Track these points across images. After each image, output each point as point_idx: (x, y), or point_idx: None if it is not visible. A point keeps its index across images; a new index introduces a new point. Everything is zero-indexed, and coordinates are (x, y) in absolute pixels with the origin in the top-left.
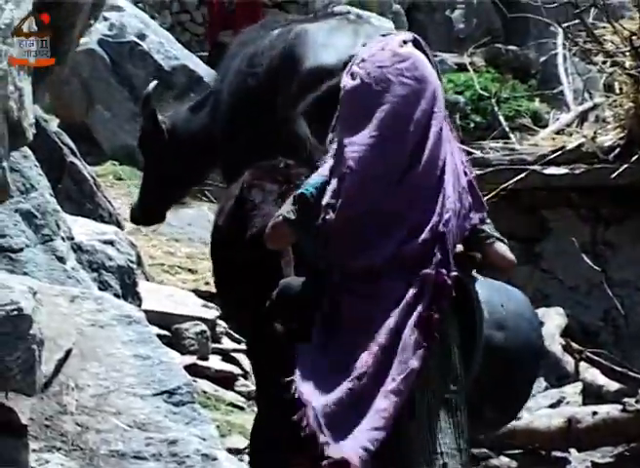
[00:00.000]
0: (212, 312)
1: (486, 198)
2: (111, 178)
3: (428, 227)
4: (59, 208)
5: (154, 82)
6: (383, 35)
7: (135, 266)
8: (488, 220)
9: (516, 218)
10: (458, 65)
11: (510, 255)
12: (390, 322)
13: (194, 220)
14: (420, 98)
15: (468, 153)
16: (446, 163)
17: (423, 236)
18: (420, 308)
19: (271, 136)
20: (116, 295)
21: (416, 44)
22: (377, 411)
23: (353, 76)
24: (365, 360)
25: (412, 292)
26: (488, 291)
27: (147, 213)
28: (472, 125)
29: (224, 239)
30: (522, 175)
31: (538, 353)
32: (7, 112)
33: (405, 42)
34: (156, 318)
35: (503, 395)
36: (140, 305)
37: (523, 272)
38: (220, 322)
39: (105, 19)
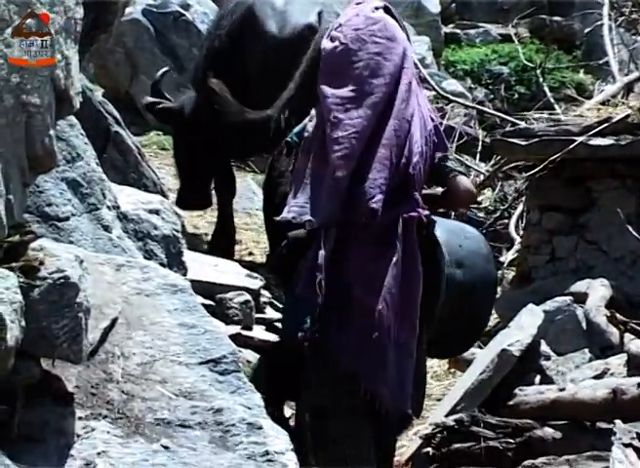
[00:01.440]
0: (256, 282)
1: (533, 171)
2: (155, 148)
3: (400, 170)
4: (104, 177)
5: (164, 68)
6: (358, 3)
7: (180, 235)
8: (452, 157)
9: (561, 190)
10: (502, 36)
11: (471, 187)
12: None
13: (238, 191)
14: (393, 55)
15: (513, 124)
16: (414, 112)
17: (397, 180)
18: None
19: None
20: (161, 264)
21: (387, 10)
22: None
23: (332, 39)
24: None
25: (399, 233)
26: (446, 232)
27: (191, 197)
28: (516, 96)
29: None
30: (570, 147)
31: (494, 284)
32: (54, 80)
33: (377, 8)
34: (200, 287)
35: (465, 325)
36: (185, 274)
37: (568, 243)
38: (263, 292)
39: None
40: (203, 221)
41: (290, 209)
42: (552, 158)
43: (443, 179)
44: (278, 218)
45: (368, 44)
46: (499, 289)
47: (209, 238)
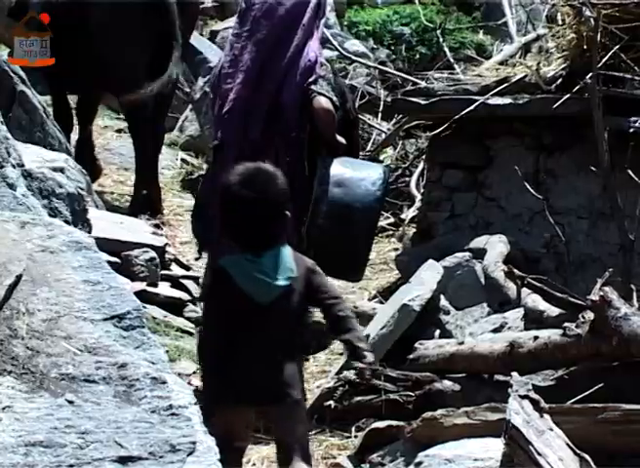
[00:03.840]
0: (161, 239)
1: (436, 131)
2: None
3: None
4: (9, 135)
5: None
6: None
7: (85, 194)
8: (322, 82)
9: (460, 147)
10: None
11: (326, 105)
12: None
13: None
14: (286, 1)
15: (414, 83)
16: (302, 52)
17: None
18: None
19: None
20: (66, 222)
21: None
22: None
23: None
24: None
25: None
26: (340, 163)
27: None
28: (418, 56)
29: None
30: (471, 108)
31: (373, 206)
32: None
33: None
34: (106, 245)
35: (340, 243)
36: (89, 232)
37: (467, 199)
38: (168, 249)
39: None
40: (109, 180)
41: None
42: (455, 117)
43: (308, 102)
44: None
45: None
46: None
47: (115, 197)
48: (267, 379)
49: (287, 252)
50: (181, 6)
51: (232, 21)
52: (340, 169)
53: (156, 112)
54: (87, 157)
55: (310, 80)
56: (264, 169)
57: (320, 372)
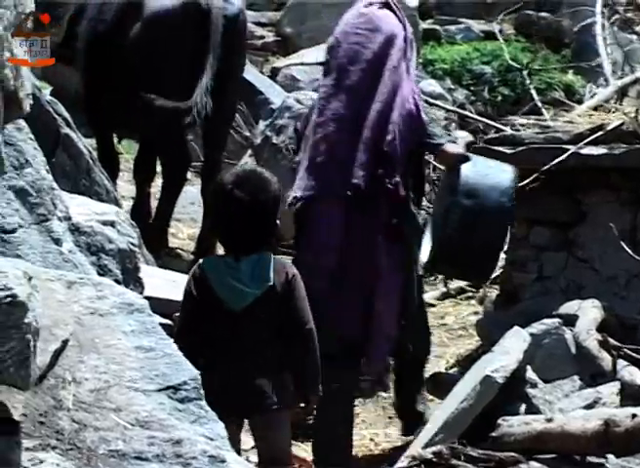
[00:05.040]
0: None
1: (522, 183)
2: None
3: (370, 148)
4: (55, 185)
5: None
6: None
7: (137, 250)
8: (434, 131)
9: (550, 201)
10: (485, 33)
11: (456, 151)
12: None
13: (198, 199)
14: (372, 43)
15: (497, 130)
16: (395, 96)
17: (367, 156)
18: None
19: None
20: (117, 281)
21: (387, 5)
22: None
23: (334, 34)
24: None
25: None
26: (469, 171)
27: None
28: (500, 98)
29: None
30: (562, 158)
31: (505, 216)
32: (2, 81)
33: (370, 4)
34: (158, 305)
35: (472, 252)
36: (142, 292)
37: (557, 259)
38: None
39: None
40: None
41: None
42: (544, 169)
43: (433, 153)
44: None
45: (350, 36)
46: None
47: (167, 250)
48: (243, 388)
49: (268, 260)
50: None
51: (296, 58)
52: (470, 177)
53: (209, 155)
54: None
55: (422, 132)
56: (259, 172)
57: (391, 449)
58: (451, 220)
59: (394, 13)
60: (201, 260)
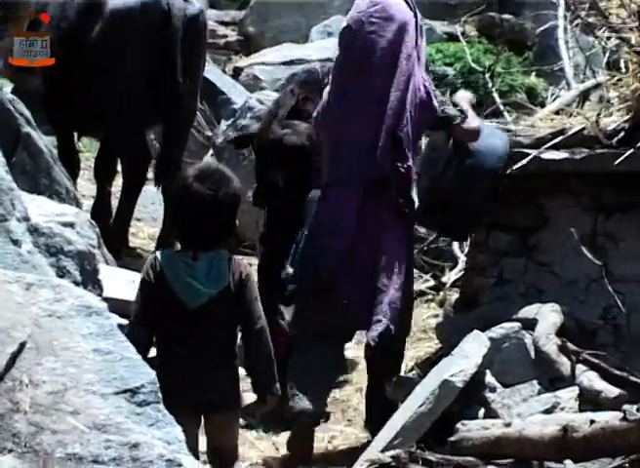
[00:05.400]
0: None
1: None
2: None
3: (390, 134)
4: (14, 185)
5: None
6: None
7: (96, 251)
8: (447, 107)
9: (510, 207)
10: (447, 35)
11: (473, 126)
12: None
13: (158, 199)
14: (386, 32)
15: None
16: (408, 82)
17: (387, 142)
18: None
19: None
20: (75, 283)
21: None
22: None
23: (346, 21)
24: None
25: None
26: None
27: None
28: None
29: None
30: (523, 162)
31: (498, 180)
32: None
33: None
34: (117, 306)
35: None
36: (100, 294)
37: (517, 264)
38: None
39: None
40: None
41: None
42: (507, 172)
43: (448, 128)
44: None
45: (365, 24)
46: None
47: (127, 250)
48: (200, 386)
49: (224, 259)
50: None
51: (258, 58)
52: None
53: (166, 155)
54: (104, 225)
55: (439, 107)
56: (222, 170)
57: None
58: (448, 175)
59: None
60: (158, 253)
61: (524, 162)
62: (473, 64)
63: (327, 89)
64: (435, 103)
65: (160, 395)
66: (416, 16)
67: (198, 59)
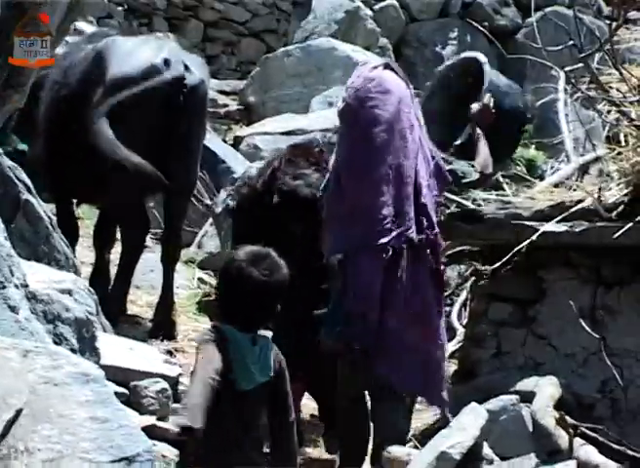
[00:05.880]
0: (174, 369)
1: (495, 265)
2: None
3: (412, 202)
4: (13, 252)
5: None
6: (363, 64)
7: (94, 318)
8: (462, 169)
9: (509, 278)
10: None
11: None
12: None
13: (157, 266)
14: (387, 105)
15: (459, 204)
16: (418, 150)
17: (411, 210)
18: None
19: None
20: (73, 350)
21: (387, 66)
22: None
23: (343, 101)
24: None
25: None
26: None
27: None
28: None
29: (256, 199)
30: (533, 238)
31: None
32: None
33: (375, 67)
34: (114, 373)
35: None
36: (98, 361)
37: (515, 336)
38: (182, 379)
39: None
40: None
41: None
42: (517, 248)
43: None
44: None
45: (365, 100)
46: None
47: (124, 317)
48: (242, 463)
49: (271, 347)
50: (186, 92)
51: (259, 127)
52: None
53: (168, 222)
54: (102, 293)
55: (447, 184)
56: (273, 254)
57: None
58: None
59: (395, 73)
60: (222, 326)
61: (533, 238)
62: (456, 161)
63: (331, 161)
64: (444, 167)
65: (156, 464)
66: (408, 86)
67: (198, 128)
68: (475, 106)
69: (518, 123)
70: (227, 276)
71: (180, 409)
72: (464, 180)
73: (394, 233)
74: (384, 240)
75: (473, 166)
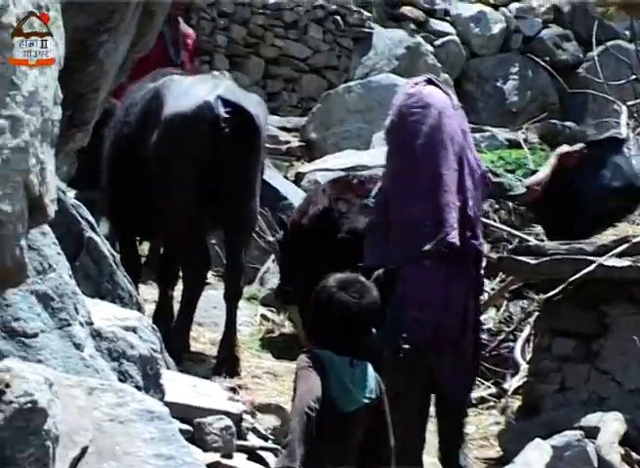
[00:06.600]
0: (237, 405)
1: (549, 294)
2: None
3: (457, 212)
4: (78, 290)
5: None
6: (406, 83)
7: (158, 355)
8: (509, 183)
9: (573, 313)
10: (509, 141)
11: (539, 180)
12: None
13: (220, 303)
14: (428, 118)
15: (521, 240)
16: (462, 162)
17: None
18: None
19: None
20: (137, 387)
21: (430, 81)
22: None
23: (390, 117)
24: None
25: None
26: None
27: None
28: (524, 207)
29: (304, 237)
30: (587, 270)
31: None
32: (27, 186)
33: (416, 83)
34: (178, 411)
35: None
36: (162, 398)
37: (579, 371)
38: (245, 416)
39: None
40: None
41: (373, 256)
42: (570, 280)
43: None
44: (363, 264)
45: (406, 115)
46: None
47: (188, 355)
48: None
49: (371, 370)
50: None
51: (320, 163)
52: None
53: (230, 259)
54: (166, 330)
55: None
56: (362, 279)
57: None
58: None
59: (438, 87)
60: (317, 351)
61: (589, 269)
62: (505, 174)
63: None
64: (491, 179)
65: None
66: (451, 98)
67: (255, 164)
68: (565, 148)
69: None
70: (318, 302)
71: (281, 447)
72: (510, 194)
73: (435, 240)
74: (427, 247)
75: (520, 180)
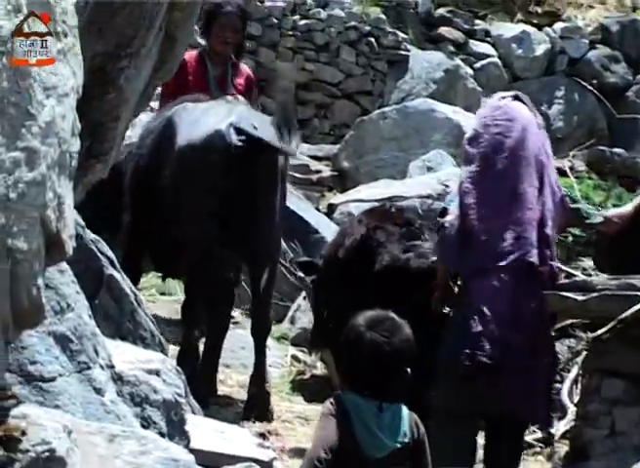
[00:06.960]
0: (268, 453)
1: (597, 333)
2: (154, 292)
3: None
4: (97, 331)
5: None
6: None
7: (182, 400)
8: (586, 210)
9: (623, 353)
10: (556, 169)
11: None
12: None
13: (249, 343)
14: (512, 132)
15: (568, 275)
16: (544, 181)
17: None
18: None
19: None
20: (161, 434)
21: (517, 97)
22: None
23: (471, 128)
24: None
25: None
26: None
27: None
28: (571, 239)
29: (341, 271)
30: (637, 308)
31: None
32: (44, 222)
33: (503, 97)
34: (204, 458)
35: None
36: (187, 445)
37: (630, 414)
38: (276, 463)
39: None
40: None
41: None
42: (620, 318)
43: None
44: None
45: (490, 127)
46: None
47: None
48: None
49: (405, 413)
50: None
51: (353, 194)
52: None
53: (255, 294)
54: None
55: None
56: (392, 316)
57: None
58: None
59: (524, 103)
60: (341, 394)
61: (638, 307)
62: (582, 200)
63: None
64: (568, 203)
65: None
66: (536, 116)
67: (274, 193)
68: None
69: None
70: (348, 342)
71: None
72: (587, 221)
73: (513, 256)
74: (503, 263)
75: (599, 209)
